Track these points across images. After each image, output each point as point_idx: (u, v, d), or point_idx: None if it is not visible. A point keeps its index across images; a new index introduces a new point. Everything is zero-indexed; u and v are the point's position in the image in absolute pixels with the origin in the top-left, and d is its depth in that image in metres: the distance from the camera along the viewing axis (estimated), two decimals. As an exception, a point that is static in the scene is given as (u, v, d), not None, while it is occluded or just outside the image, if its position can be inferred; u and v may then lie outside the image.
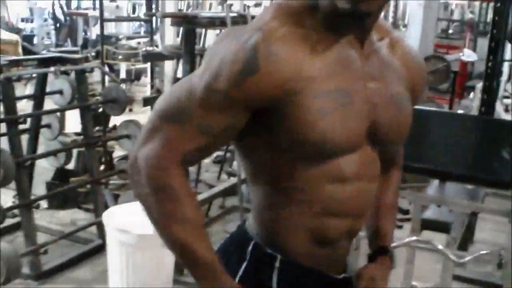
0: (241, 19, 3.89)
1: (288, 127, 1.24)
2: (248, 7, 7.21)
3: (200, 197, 4.06)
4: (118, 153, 5.15)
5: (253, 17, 4.21)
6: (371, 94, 1.30)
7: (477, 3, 13.09)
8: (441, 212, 3.49)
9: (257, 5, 8.38)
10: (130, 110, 5.71)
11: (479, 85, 6.39)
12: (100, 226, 3.80)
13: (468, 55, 7.36)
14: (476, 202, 3.11)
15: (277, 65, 1.20)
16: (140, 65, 7.92)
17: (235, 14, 3.79)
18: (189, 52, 3.58)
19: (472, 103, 6.61)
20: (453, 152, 3.05)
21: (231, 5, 4.58)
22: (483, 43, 11.40)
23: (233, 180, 4.65)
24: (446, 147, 3.12)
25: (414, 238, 2.85)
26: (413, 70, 1.42)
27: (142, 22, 12.06)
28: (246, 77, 1.19)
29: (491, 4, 13.51)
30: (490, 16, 13.57)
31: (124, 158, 4.77)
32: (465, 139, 3.33)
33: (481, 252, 2.77)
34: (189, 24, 3.55)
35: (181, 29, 3.95)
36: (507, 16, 4.40)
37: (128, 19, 11.72)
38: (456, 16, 15.84)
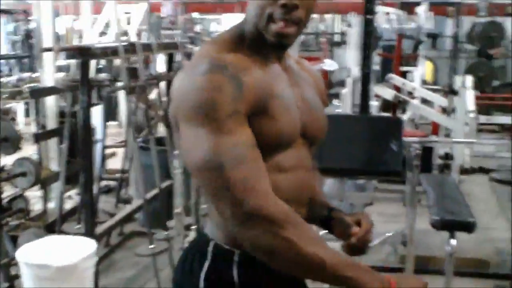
0: (131, 47, 4.03)
1: (260, 124, 1.42)
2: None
3: (105, 225, 4.14)
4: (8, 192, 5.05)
5: (146, 44, 4.37)
6: (298, 99, 1.55)
7: (327, 16, 13.87)
8: (341, 206, 3.80)
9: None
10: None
11: (344, 90, 6.88)
12: (5, 269, 3.76)
13: (329, 64, 7.83)
14: (371, 193, 3.45)
15: (247, 76, 1.40)
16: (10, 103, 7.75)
17: (125, 43, 3.93)
18: (86, 84, 3.65)
19: (339, 109, 6.99)
20: (347, 150, 3.36)
21: (122, 33, 4.70)
22: (339, 52, 12.17)
23: (129, 207, 4.75)
24: (341, 147, 3.43)
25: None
26: (316, 80, 1.72)
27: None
28: (239, 89, 1.36)
29: (338, 16, 14.44)
30: (339, 27, 14.46)
31: (19, 197, 4.70)
32: (357, 138, 3.66)
33: (387, 234, 3.09)
34: (84, 56, 3.64)
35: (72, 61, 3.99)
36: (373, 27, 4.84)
37: (8, 56, 11.28)
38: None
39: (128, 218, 4.65)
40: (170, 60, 5.09)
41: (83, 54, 3.61)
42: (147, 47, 4.25)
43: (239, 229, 1.35)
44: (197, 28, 14.34)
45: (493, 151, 8.41)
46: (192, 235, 3.17)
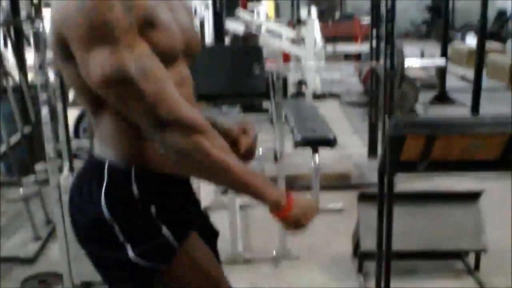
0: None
1: (154, 33, 1.43)
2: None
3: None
4: None
5: None
6: (176, 19, 1.55)
7: None
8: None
9: None
10: None
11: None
12: None
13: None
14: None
15: None
16: None
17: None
18: None
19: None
20: (216, 78, 3.44)
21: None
22: None
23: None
24: (210, 75, 3.50)
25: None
26: (184, 4, 1.69)
27: None
28: (130, 4, 1.36)
29: None
30: None
31: None
32: (224, 66, 3.76)
33: (260, 152, 3.24)
34: None
35: None
36: None
37: None
38: None
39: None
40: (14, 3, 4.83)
41: None
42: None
43: (156, 135, 1.39)
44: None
45: (340, 77, 8.87)
46: (65, 174, 3.12)
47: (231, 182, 1.50)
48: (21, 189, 3.80)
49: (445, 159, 2.51)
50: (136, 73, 1.34)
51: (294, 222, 1.59)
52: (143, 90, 1.35)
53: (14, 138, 4.32)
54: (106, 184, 1.52)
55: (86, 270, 3.18)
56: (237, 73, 3.70)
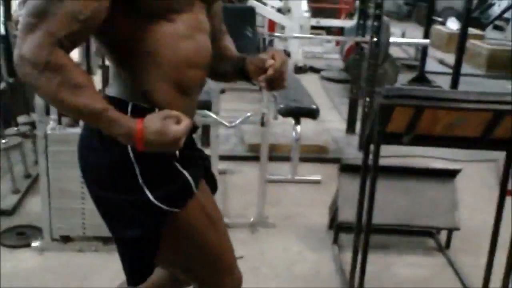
0: None
1: None
2: None
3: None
4: None
5: None
6: None
7: None
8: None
9: None
10: None
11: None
12: None
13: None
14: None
15: None
16: None
17: None
18: None
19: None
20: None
21: None
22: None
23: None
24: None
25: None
26: None
27: None
28: None
29: None
30: None
31: None
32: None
33: (248, 114, 3.26)
34: None
35: None
36: None
37: None
38: None
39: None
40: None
41: None
42: None
43: (21, 66, 1.40)
44: None
45: (321, 52, 8.90)
46: (52, 125, 3.12)
47: (86, 121, 1.56)
48: (3, 141, 3.78)
49: (430, 134, 2.56)
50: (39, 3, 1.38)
51: (157, 145, 1.45)
52: (26, 16, 1.39)
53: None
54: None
55: (66, 224, 3.21)
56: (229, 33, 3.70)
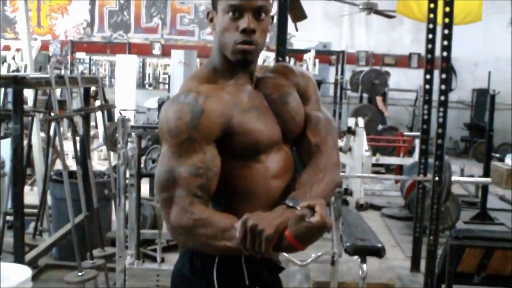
0: (60, 80, 4.11)
1: (234, 138, 1.75)
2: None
3: (33, 253, 4.12)
4: None
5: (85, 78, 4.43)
6: (269, 104, 1.88)
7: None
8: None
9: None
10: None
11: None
12: None
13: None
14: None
15: (213, 103, 1.74)
16: None
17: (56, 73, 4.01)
18: (19, 112, 3.70)
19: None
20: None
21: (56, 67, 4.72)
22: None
23: (52, 237, 4.74)
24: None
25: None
26: (295, 80, 1.99)
27: None
28: (197, 118, 1.70)
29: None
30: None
31: None
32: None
33: (319, 253, 3.36)
34: (18, 85, 3.69)
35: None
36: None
37: None
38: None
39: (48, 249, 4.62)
40: (86, 94, 5.16)
41: (18, 83, 3.67)
42: (74, 80, 4.33)
43: (175, 234, 1.71)
44: (81, 68, 14.29)
45: (381, 189, 9.01)
46: (131, 260, 3.28)
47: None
48: (79, 274, 3.93)
49: (501, 273, 2.61)
50: (165, 181, 1.70)
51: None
52: (161, 198, 1.71)
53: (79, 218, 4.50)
54: (217, 261, 1.78)
55: None
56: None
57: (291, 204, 1.66)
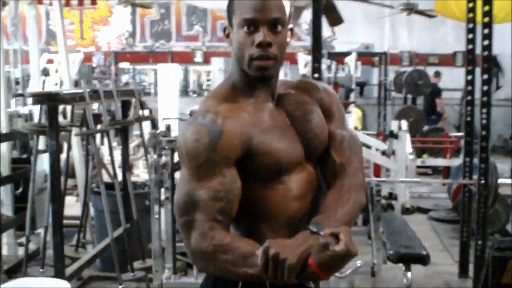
0: (95, 94, 4.12)
1: (255, 159, 1.70)
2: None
3: (74, 266, 4.14)
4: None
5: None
6: (292, 122, 1.81)
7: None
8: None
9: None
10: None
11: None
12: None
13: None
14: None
15: (232, 124, 1.68)
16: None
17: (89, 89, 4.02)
18: (54, 128, 3.71)
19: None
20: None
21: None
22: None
23: (94, 249, 4.77)
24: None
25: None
26: (318, 96, 1.92)
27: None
28: (216, 140, 1.65)
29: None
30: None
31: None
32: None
33: (358, 264, 3.28)
34: (53, 101, 3.70)
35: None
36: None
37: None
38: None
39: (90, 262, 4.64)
40: (125, 107, 5.17)
41: (52, 99, 3.68)
42: (109, 94, 4.34)
43: (195, 259, 1.69)
44: (126, 78, 14.45)
45: (428, 191, 8.83)
46: (167, 274, 3.25)
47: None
48: (120, 286, 3.94)
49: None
50: (184, 205, 1.67)
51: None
52: (181, 222, 1.70)
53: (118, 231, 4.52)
54: (241, 286, 1.71)
55: None
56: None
57: (314, 230, 1.61)
